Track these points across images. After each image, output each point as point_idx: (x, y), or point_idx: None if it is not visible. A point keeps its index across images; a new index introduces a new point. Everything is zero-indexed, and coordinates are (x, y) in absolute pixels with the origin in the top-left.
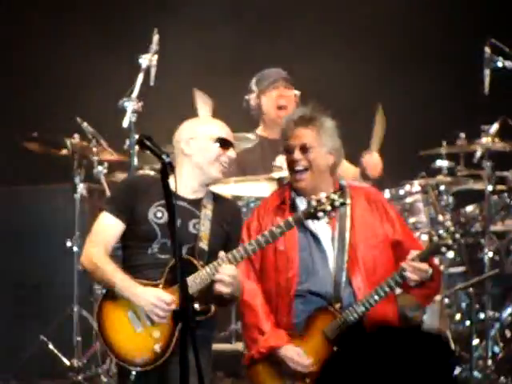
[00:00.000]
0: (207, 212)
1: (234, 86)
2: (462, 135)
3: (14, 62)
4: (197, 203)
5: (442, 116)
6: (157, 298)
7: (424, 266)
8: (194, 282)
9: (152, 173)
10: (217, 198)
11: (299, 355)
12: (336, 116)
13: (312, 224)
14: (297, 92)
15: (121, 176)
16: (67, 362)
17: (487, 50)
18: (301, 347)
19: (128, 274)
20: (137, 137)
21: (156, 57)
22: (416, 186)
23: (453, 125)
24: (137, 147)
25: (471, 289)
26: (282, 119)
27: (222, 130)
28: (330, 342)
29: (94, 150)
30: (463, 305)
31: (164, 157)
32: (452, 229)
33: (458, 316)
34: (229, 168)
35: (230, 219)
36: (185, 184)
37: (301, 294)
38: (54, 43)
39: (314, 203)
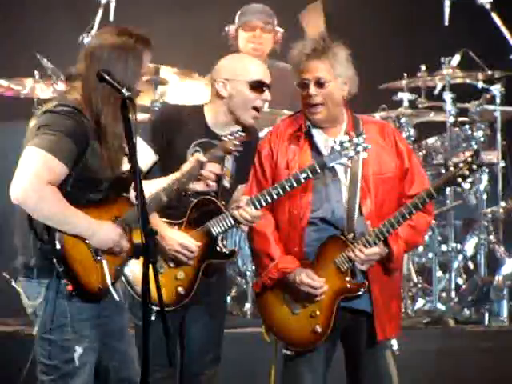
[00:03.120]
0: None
1: (195, 21)
2: (423, 67)
3: None
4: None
5: (403, 49)
6: (180, 245)
7: (374, 250)
8: (219, 223)
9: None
10: (243, 130)
11: (310, 277)
12: None
13: (326, 152)
14: (280, 30)
15: None
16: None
17: None
18: None
19: None
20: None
21: None
22: (377, 118)
23: (413, 57)
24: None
25: (434, 220)
26: (257, 56)
27: (259, 71)
28: (340, 272)
29: (54, 86)
30: (425, 237)
31: (123, 91)
32: (470, 159)
33: (420, 248)
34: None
35: (250, 151)
36: (219, 123)
37: (313, 221)
38: None
39: (337, 147)
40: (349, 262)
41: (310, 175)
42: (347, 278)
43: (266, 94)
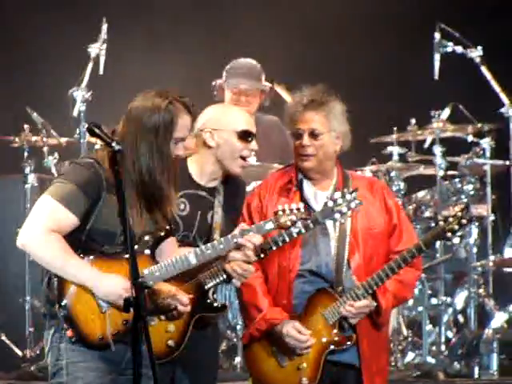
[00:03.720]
0: (220, 199)
1: (187, 73)
2: (413, 121)
3: None
4: (213, 191)
5: (392, 102)
6: (172, 298)
7: (364, 303)
8: (211, 276)
9: None
10: (228, 180)
11: (297, 330)
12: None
13: (316, 205)
14: (268, 85)
15: None
16: (20, 353)
17: (437, 35)
18: None
19: None
20: (86, 125)
21: (105, 46)
22: (367, 172)
23: (403, 111)
24: (87, 135)
25: (424, 274)
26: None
27: (246, 121)
28: (328, 325)
29: (44, 140)
30: (416, 290)
31: (113, 144)
32: (459, 213)
33: (410, 302)
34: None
35: (238, 203)
36: (205, 173)
37: (302, 274)
38: (2, 31)
39: (330, 204)
40: (337, 315)
41: (303, 231)
42: (335, 331)
43: (253, 144)
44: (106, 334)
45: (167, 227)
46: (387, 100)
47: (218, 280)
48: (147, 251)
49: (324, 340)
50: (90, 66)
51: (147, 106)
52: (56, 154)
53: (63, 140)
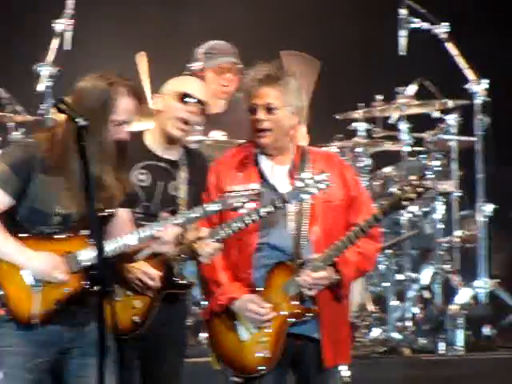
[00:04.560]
0: (183, 174)
1: (156, 50)
2: (379, 97)
3: None
4: (174, 164)
5: (359, 78)
6: (144, 274)
7: (321, 274)
8: (175, 255)
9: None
10: (190, 155)
11: (257, 304)
12: None
13: (273, 179)
14: (239, 62)
15: None
16: None
17: (402, 11)
18: None
19: None
20: (52, 101)
21: (71, 21)
22: (333, 148)
23: (369, 87)
24: (53, 110)
25: (389, 250)
26: (224, 96)
27: (191, 86)
28: (288, 297)
29: (10, 115)
30: (381, 266)
31: (78, 120)
32: (415, 182)
33: (375, 277)
34: (192, 126)
35: (202, 177)
36: (158, 143)
37: (261, 248)
38: None
39: (300, 184)
40: (297, 288)
41: (271, 210)
42: (295, 303)
43: (193, 106)
44: (33, 314)
45: (105, 208)
46: (353, 76)
47: (184, 257)
48: (84, 231)
49: (284, 313)
50: (56, 41)
51: (87, 88)
52: (22, 130)
53: (29, 116)
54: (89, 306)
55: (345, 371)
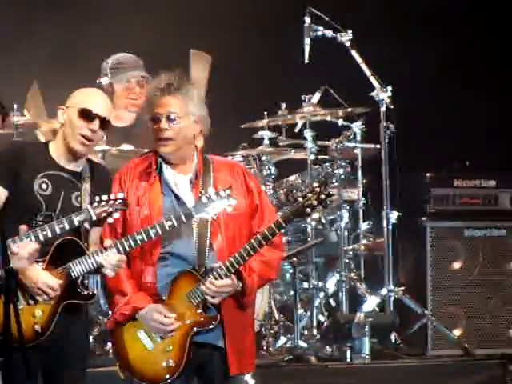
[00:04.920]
0: (86, 186)
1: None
2: (283, 105)
3: None
4: (77, 175)
5: (264, 87)
6: (43, 284)
7: (225, 282)
8: (81, 265)
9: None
10: (93, 168)
11: (161, 313)
12: None
13: (176, 188)
14: (146, 75)
15: None
16: None
17: (307, 19)
18: None
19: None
20: None
21: None
22: (238, 157)
23: (274, 96)
24: None
25: (295, 258)
26: (132, 109)
27: (93, 102)
28: (193, 306)
29: None
30: (287, 275)
31: None
32: (318, 189)
33: (282, 286)
34: (95, 142)
35: (104, 190)
36: (61, 153)
37: (165, 257)
38: None
39: (204, 200)
40: (200, 296)
41: (175, 224)
42: (199, 312)
43: (94, 124)
44: None
45: None
46: (258, 85)
47: (87, 268)
48: None
49: (189, 321)
50: None
51: None
52: None
53: None
54: None
55: (250, 380)
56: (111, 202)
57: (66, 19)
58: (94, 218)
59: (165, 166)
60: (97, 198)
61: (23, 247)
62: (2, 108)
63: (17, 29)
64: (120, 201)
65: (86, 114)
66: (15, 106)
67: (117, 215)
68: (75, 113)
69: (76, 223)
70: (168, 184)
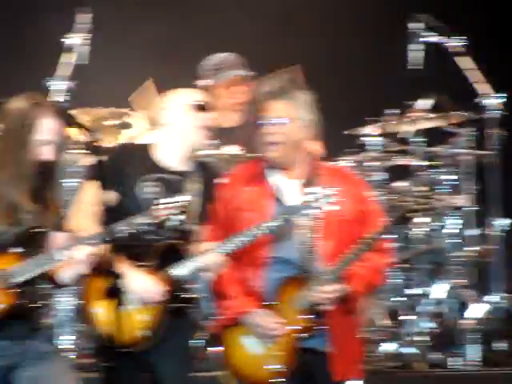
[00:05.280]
0: (194, 187)
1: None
2: (391, 111)
3: None
4: (184, 176)
5: (371, 92)
6: (147, 288)
7: (332, 288)
8: (183, 268)
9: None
10: (202, 168)
11: (268, 318)
12: None
13: (284, 193)
14: (249, 73)
15: None
16: None
17: (414, 24)
18: None
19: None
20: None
21: (81, 35)
22: (346, 162)
23: (381, 100)
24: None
25: (401, 264)
26: (237, 109)
27: (196, 94)
28: (299, 311)
29: None
30: (393, 281)
31: (91, 134)
32: (425, 196)
33: (388, 291)
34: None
35: (212, 190)
36: (170, 155)
37: (271, 261)
38: None
39: (309, 199)
40: (306, 302)
41: (281, 223)
42: (305, 318)
43: (209, 114)
44: None
45: (35, 226)
46: (365, 90)
47: (189, 272)
48: (16, 249)
49: (295, 327)
50: (66, 55)
51: (9, 108)
52: None
53: None
54: (33, 320)
55: None
56: (174, 203)
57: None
58: (156, 220)
59: (273, 171)
60: (161, 201)
61: (78, 251)
62: (69, 116)
63: (121, 28)
64: (184, 203)
65: (197, 106)
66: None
67: (181, 217)
68: (189, 109)
69: (137, 226)
70: (276, 188)
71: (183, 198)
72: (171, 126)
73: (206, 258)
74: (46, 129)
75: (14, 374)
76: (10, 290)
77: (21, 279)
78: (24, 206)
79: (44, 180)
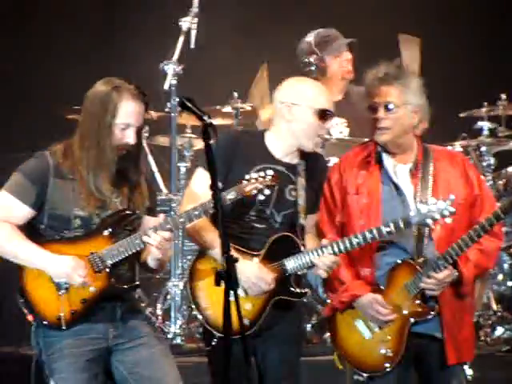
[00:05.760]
0: (302, 180)
1: (276, 44)
2: (503, 96)
3: (53, 36)
4: (292, 168)
5: (484, 76)
6: (259, 278)
7: (444, 273)
8: (295, 262)
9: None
10: (310, 160)
11: (379, 303)
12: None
13: (395, 177)
14: (353, 40)
15: (162, 139)
16: None
17: None
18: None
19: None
20: (177, 99)
21: (196, 19)
22: (458, 147)
23: (494, 85)
24: (178, 109)
25: None
26: (346, 77)
27: (325, 99)
28: (411, 296)
29: None
30: (505, 265)
31: (205, 118)
32: None
33: (500, 276)
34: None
35: (320, 181)
36: (281, 147)
37: (383, 246)
38: (93, 7)
39: (424, 209)
40: (418, 287)
41: (393, 230)
42: (417, 302)
43: (330, 122)
44: (62, 314)
45: (123, 208)
46: (478, 74)
47: (301, 266)
48: (106, 232)
49: (406, 312)
50: (182, 39)
51: (92, 92)
52: (147, 128)
53: (154, 114)
54: (129, 301)
55: (468, 369)
56: (260, 178)
57: None
58: (243, 195)
59: (384, 156)
60: (246, 176)
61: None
62: (144, 96)
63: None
64: (269, 177)
65: (324, 115)
66: (235, 94)
67: (267, 192)
68: (310, 112)
69: (228, 201)
70: (387, 173)
71: (269, 173)
72: (291, 122)
73: (320, 257)
74: (128, 112)
75: (113, 358)
76: (102, 272)
77: (111, 262)
78: (109, 190)
79: (128, 163)
